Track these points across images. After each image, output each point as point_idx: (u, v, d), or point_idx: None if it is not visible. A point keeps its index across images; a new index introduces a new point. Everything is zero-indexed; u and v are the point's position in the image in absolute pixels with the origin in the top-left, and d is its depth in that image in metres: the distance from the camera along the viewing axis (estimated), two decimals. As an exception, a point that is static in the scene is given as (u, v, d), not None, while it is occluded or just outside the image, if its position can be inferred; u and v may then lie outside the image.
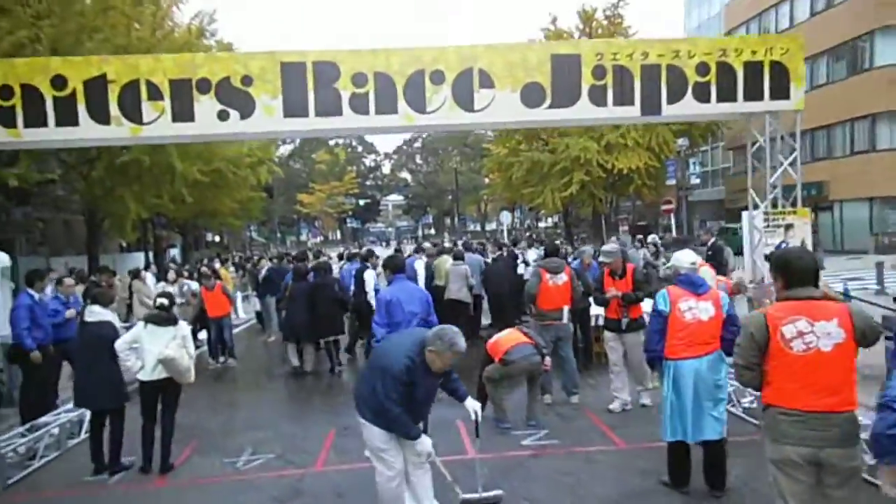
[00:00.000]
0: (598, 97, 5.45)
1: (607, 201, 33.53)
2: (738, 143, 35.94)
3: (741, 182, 35.61)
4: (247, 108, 5.30)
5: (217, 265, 14.42)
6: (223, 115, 5.27)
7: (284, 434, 6.69)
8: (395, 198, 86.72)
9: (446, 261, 11.57)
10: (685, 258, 4.72)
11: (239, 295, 14.23)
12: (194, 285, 10.41)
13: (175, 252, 36.59)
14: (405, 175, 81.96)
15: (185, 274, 12.19)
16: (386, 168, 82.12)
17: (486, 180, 57.40)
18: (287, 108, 5.34)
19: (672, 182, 28.58)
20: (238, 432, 6.86)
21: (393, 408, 3.76)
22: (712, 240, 13.25)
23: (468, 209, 74.55)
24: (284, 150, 63.46)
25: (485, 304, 11.53)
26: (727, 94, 5.54)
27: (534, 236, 25.36)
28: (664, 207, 22.33)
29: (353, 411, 7.31)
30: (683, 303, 4.56)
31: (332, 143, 73.48)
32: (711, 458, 4.65)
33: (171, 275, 10.64)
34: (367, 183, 76.52)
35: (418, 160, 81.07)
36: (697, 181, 35.67)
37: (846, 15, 27.27)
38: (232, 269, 15.23)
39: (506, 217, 32.13)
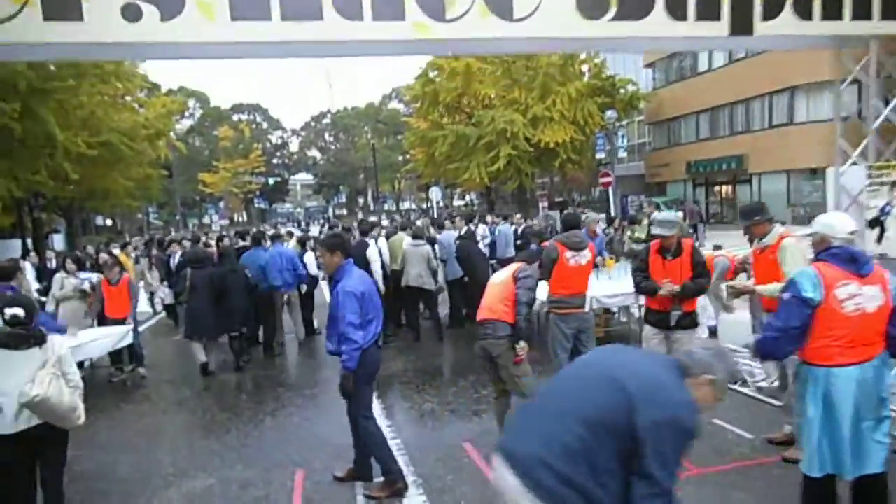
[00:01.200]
0: (676, 7, 4.01)
1: (532, 176, 32.78)
2: (657, 118, 36.24)
3: (661, 157, 36.25)
4: (170, 4, 3.40)
5: (116, 251, 11.92)
6: (131, 13, 3.34)
7: (232, 481, 4.83)
8: (304, 177, 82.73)
9: (402, 240, 9.92)
10: (841, 224, 3.34)
11: (141, 285, 11.81)
12: (94, 276, 8.24)
13: (58, 238, 32.28)
14: (314, 153, 78.22)
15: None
16: (294, 145, 78.03)
17: (401, 158, 55.58)
18: (236, 7, 3.48)
19: (602, 156, 28.05)
20: (164, 482, 4.90)
21: (673, 489, 2.17)
22: (655, 213, 12.29)
23: (382, 188, 72.35)
24: (184, 124, 58.71)
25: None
26: (832, 11, 4.26)
27: (452, 213, 24.16)
28: (603, 181, 21.69)
29: (319, 442, 5.70)
30: (842, 288, 3.17)
31: (235, 118, 69.03)
32: (870, 496, 3.38)
33: (71, 264, 8.37)
34: (274, 161, 72.34)
35: (328, 137, 77.61)
36: (625, 154, 35.60)
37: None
38: (133, 255, 12.68)
39: (435, 193, 30.48)
